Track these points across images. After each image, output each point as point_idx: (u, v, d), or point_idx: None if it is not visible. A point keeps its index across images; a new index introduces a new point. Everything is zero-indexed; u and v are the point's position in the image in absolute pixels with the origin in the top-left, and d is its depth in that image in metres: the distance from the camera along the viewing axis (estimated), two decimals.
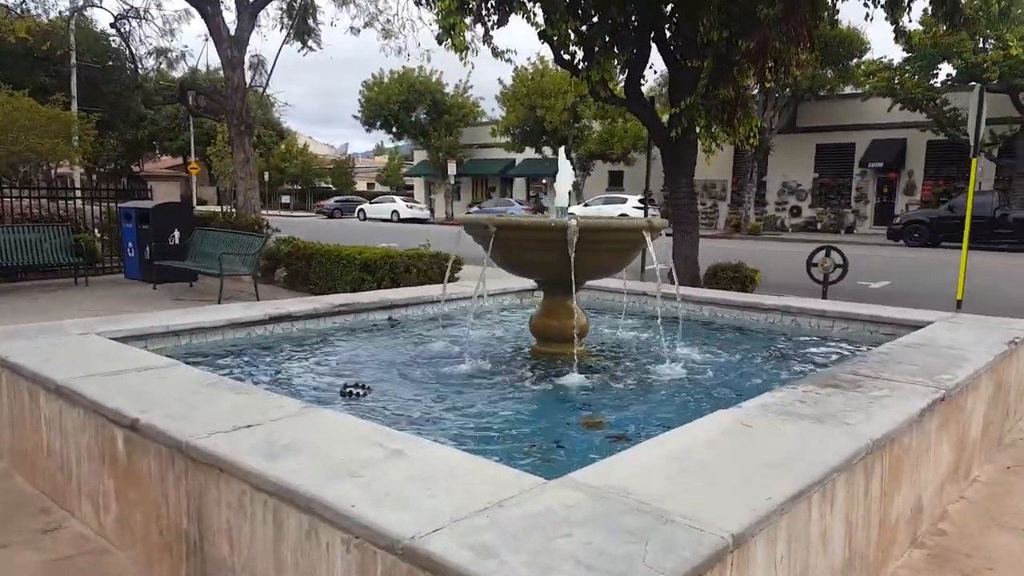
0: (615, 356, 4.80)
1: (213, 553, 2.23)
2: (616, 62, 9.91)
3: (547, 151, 35.06)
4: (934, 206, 26.08)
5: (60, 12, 22.39)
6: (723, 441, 2.36)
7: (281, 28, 16.25)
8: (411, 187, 49.31)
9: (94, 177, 30.94)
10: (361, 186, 61.20)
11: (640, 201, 28.95)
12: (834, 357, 4.77)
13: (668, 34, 9.58)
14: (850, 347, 5.00)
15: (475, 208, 36.08)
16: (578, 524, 1.68)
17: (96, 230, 11.58)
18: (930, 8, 8.90)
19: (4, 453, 3.63)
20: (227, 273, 8.81)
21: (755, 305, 5.89)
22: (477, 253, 4.53)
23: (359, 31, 16.69)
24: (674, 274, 5.31)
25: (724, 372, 4.40)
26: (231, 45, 13.10)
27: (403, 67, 37.70)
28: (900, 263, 16.62)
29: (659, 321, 4.64)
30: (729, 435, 2.42)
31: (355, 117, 40.78)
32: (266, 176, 42.92)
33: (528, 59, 33.65)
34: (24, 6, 18.85)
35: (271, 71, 17.13)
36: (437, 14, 8.20)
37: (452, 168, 37.93)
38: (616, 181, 37.02)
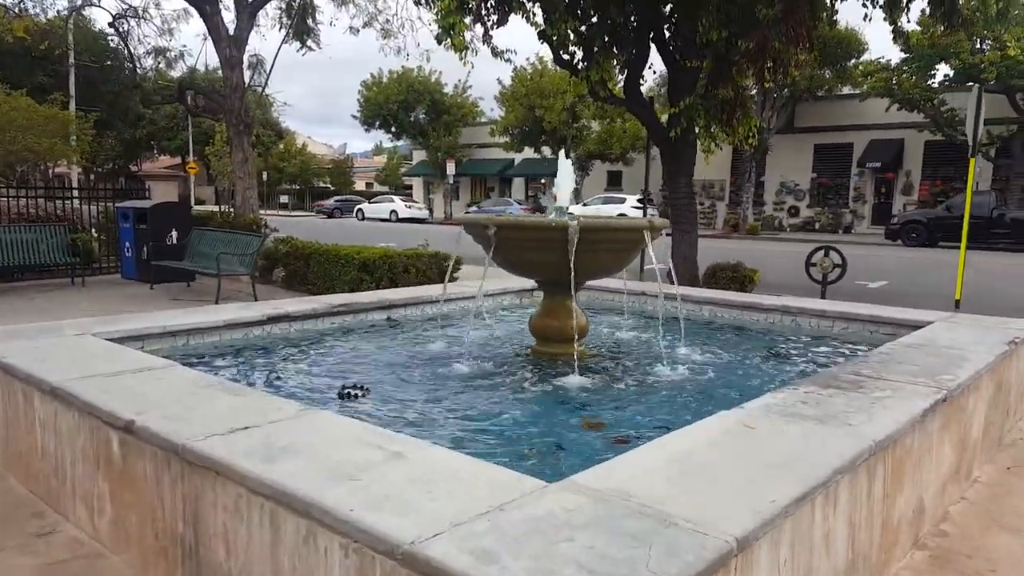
0: (615, 356, 4.78)
1: (209, 557, 2.21)
2: (615, 62, 9.90)
3: (546, 151, 35.06)
4: (931, 206, 26.13)
5: (58, 11, 22.38)
6: (725, 442, 2.34)
7: (280, 28, 16.23)
8: (410, 187, 49.28)
9: (92, 177, 30.89)
10: (360, 186, 61.16)
11: (639, 201, 28.95)
12: (835, 357, 4.75)
13: (667, 34, 9.57)
14: (850, 347, 4.98)
15: (474, 208, 36.07)
16: (580, 528, 1.66)
17: (93, 230, 11.54)
18: (928, 9, 8.90)
19: None
20: (225, 273, 8.78)
21: (754, 305, 5.87)
22: (476, 253, 4.51)
23: (358, 31, 16.69)
24: (673, 274, 5.29)
25: (724, 372, 4.39)
26: (230, 44, 13.08)
27: (402, 67, 37.72)
28: (898, 263, 16.63)
29: (660, 321, 4.63)
30: (731, 436, 2.40)
31: (354, 117, 40.79)
32: (264, 176, 42.89)
33: (527, 59, 33.68)
34: (22, 5, 18.83)
35: (270, 71, 17.13)
36: (436, 14, 8.18)
37: (451, 168, 37.91)
38: (615, 181, 37.03)
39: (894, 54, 31.65)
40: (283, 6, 16.11)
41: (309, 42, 16.15)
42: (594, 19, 9.20)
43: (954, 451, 3.32)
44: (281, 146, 49.05)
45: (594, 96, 10.09)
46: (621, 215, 26.05)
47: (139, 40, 22.12)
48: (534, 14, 8.80)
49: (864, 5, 8.66)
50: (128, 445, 2.53)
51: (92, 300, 8.76)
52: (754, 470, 2.09)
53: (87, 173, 29.77)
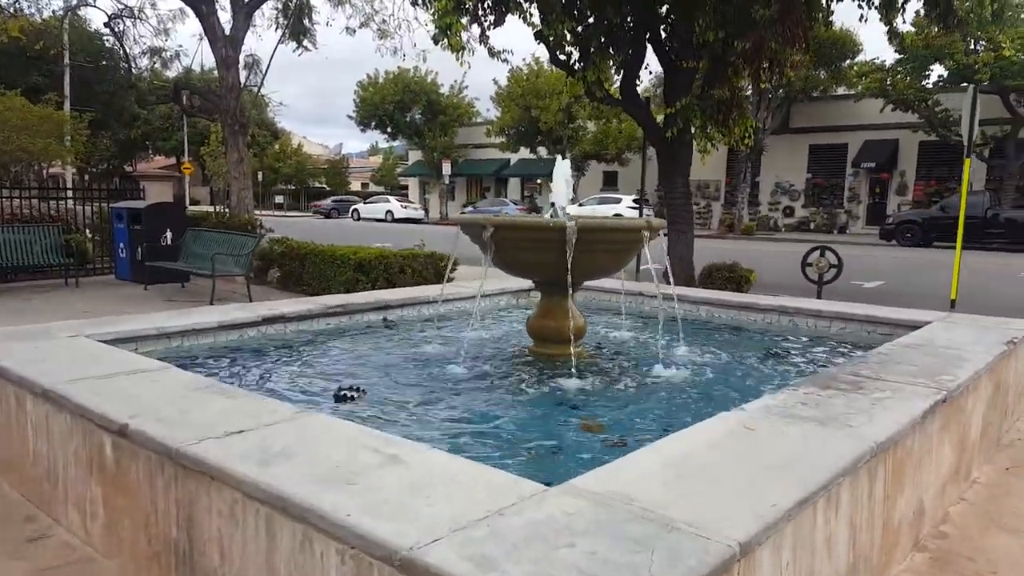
0: (613, 357, 4.76)
1: (203, 563, 2.17)
2: (612, 63, 9.89)
3: (542, 151, 35.06)
4: (926, 206, 26.22)
5: (54, 11, 22.27)
6: (726, 444, 2.32)
7: (276, 28, 16.16)
8: (406, 187, 49.22)
9: (86, 177, 30.76)
10: (355, 186, 61.10)
11: (635, 201, 28.96)
12: (832, 357, 4.74)
13: (663, 35, 9.56)
14: (848, 347, 4.97)
15: (469, 208, 36.05)
16: (581, 533, 1.63)
17: (87, 230, 11.47)
18: (923, 10, 8.92)
19: None
20: (220, 274, 8.73)
21: (751, 305, 5.86)
22: (473, 253, 4.49)
23: (355, 31, 16.64)
24: (670, 274, 5.27)
25: (722, 373, 4.37)
26: (226, 44, 13.03)
27: (398, 67, 37.67)
28: (893, 263, 16.67)
29: (659, 322, 4.61)
30: (732, 438, 2.38)
31: (350, 117, 40.72)
32: (260, 176, 42.78)
33: (523, 60, 33.66)
34: (17, 5, 18.73)
35: (266, 71, 17.07)
36: (433, 14, 8.16)
37: (447, 168, 37.88)
38: (610, 181, 37.06)
39: (888, 55, 31.82)
40: (279, 6, 16.06)
41: (305, 42, 16.10)
42: (591, 19, 9.19)
43: (953, 452, 3.31)
44: (277, 146, 48.98)
45: (590, 96, 10.08)
46: (617, 215, 26.04)
47: (135, 40, 21.99)
48: (531, 14, 8.79)
49: (860, 6, 8.67)
50: (121, 449, 2.49)
51: (86, 301, 8.71)
52: (755, 472, 2.07)
53: (81, 174, 29.63)
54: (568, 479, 1.99)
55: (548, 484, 1.95)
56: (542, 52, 9.91)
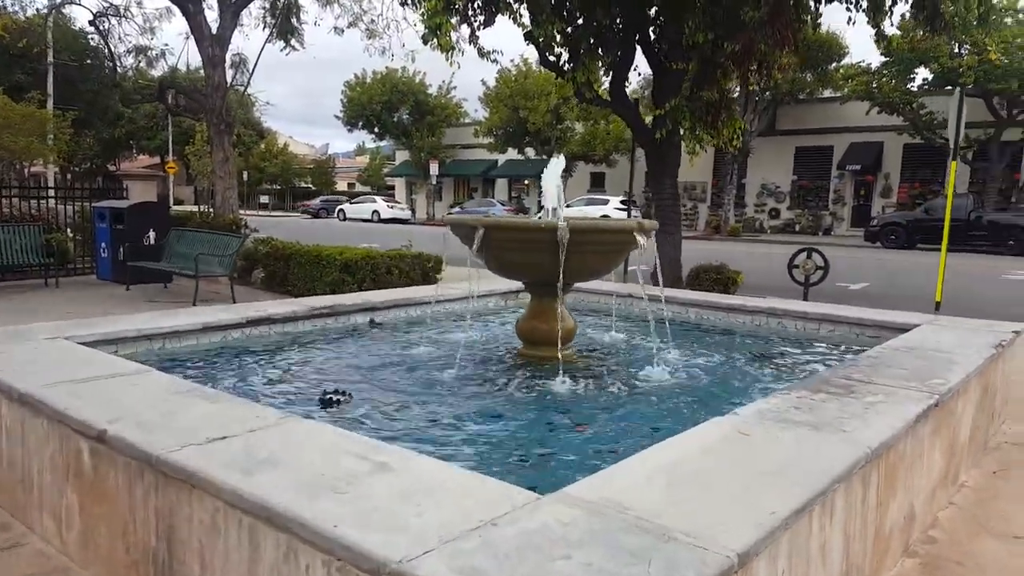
0: (603, 360, 4.73)
1: (183, 574, 2.11)
2: (601, 64, 9.88)
3: (530, 152, 35.05)
4: (910, 208, 26.49)
5: (37, 9, 21.99)
6: (720, 450, 2.28)
7: (264, 27, 16.03)
8: (392, 187, 49.04)
9: (68, 176, 30.35)
10: (342, 186, 60.81)
11: (622, 202, 29.03)
12: (823, 359, 4.73)
13: (653, 36, 9.57)
14: (837, 349, 4.97)
15: (457, 208, 35.95)
16: (576, 544, 1.59)
17: (69, 230, 11.30)
18: (908, 13, 8.98)
19: None
20: (203, 274, 8.61)
21: (741, 307, 5.85)
22: (461, 254, 4.43)
23: (343, 31, 16.56)
24: (659, 276, 5.24)
25: (713, 375, 4.35)
26: (212, 43, 12.90)
27: (386, 67, 37.54)
28: (878, 265, 16.80)
29: (648, 324, 4.58)
30: (726, 443, 2.34)
31: (337, 117, 40.51)
32: (245, 176, 42.46)
33: (512, 61, 33.66)
34: (0, 3, 18.45)
35: (252, 70, 16.96)
36: (423, 14, 8.11)
37: (434, 168, 37.75)
38: (598, 182, 37.13)
39: (874, 58, 32.10)
40: (267, 5, 15.94)
41: (293, 42, 15.99)
42: (580, 21, 9.17)
43: (944, 456, 3.30)
44: (262, 146, 48.61)
45: (580, 98, 10.06)
46: (604, 216, 26.08)
47: (120, 38, 21.71)
48: (521, 15, 8.76)
49: (848, 8, 8.72)
50: (99, 455, 2.42)
51: (66, 302, 8.56)
52: (751, 479, 2.03)
53: (64, 172, 29.23)
54: (560, 486, 1.95)
55: (539, 490, 1.90)
56: (531, 53, 9.89)
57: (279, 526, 1.77)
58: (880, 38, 9.16)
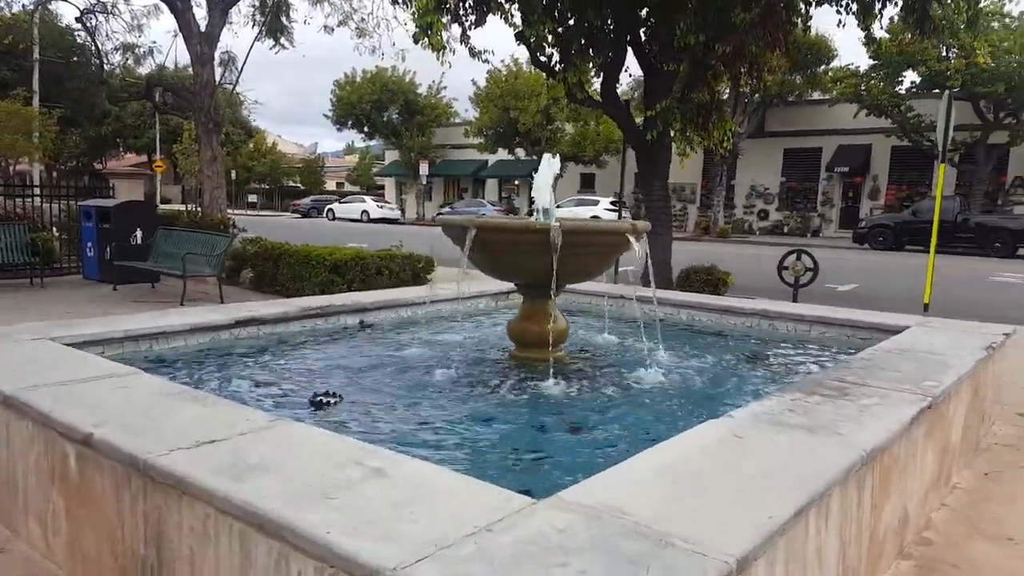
0: (595, 361, 4.71)
1: None
2: (592, 65, 9.87)
3: (520, 153, 35.02)
4: (897, 210, 26.69)
5: (23, 5, 21.68)
6: (716, 453, 2.27)
7: (253, 25, 15.90)
8: (382, 187, 48.87)
9: (54, 174, 30.02)
10: (331, 185, 60.54)
11: (612, 203, 29.09)
12: (816, 361, 4.74)
13: (644, 38, 9.57)
14: (830, 352, 4.98)
15: (447, 209, 35.89)
16: (574, 551, 1.56)
17: (54, 229, 11.17)
18: (898, 16, 9.03)
19: None
20: (191, 274, 8.53)
21: (732, 309, 5.85)
22: (452, 255, 4.40)
23: (333, 30, 16.44)
24: (651, 276, 5.23)
25: (706, 377, 4.34)
26: (201, 41, 12.80)
27: (376, 67, 37.38)
28: (866, 266, 16.91)
29: (639, 325, 4.56)
30: (722, 446, 2.33)
31: (326, 116, 40.30)
32: (233, 175, 42.17)
33: (502, 61, 33.62)
34: None
35: (241, 68, 16.83)
36: (414, 13, 8.07)
37: (424, 168, 37.66)
38: (588, 183, 37.20)
39: (863, 60, 32.37)
40: (256, 3, 15.82)
41: (282, 40, 15.88)
42: (571, 21, 9.16)
43: (936, 458, 3.30)
44: (251, 145, 48.31)
45: (571, 98, 10.05)
46: (594, 217, 26.10)
47: (107, 36, 21.47)
48: (512, 15, 8.74)
49: (837, 11, 8.75)
50: (86, 459, 2.37)
51: (51, 302, 8.45)
52: (747, 483, 2.02)
53: (49, 171, 28.91)
54: (555, 489, 1.92)
55: (533, 494, 1.88)
56: (521, 53, 9.88)
57: (271, 533, 1.73)
58: (869, 41, 9.21)
